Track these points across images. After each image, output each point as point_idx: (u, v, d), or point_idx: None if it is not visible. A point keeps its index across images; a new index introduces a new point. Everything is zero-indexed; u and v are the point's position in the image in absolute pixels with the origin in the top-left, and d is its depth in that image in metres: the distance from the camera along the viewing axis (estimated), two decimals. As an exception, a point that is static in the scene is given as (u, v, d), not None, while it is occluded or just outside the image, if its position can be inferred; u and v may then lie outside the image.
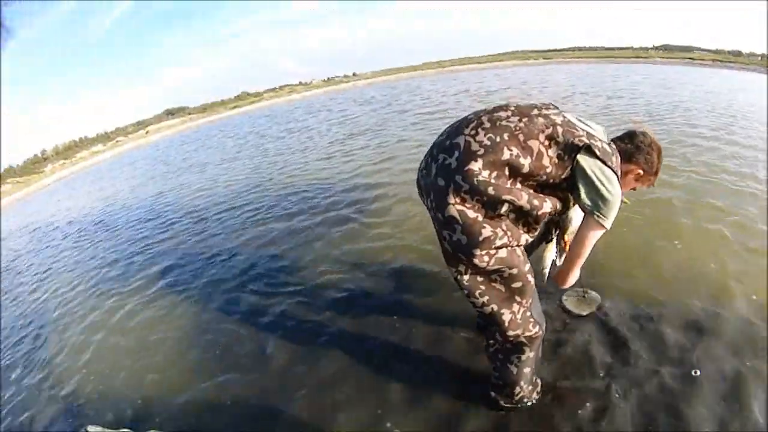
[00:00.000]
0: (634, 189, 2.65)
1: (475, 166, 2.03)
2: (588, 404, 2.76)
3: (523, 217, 2.22)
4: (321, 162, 10.40)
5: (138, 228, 8.47)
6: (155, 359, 3.86)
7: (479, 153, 2.05)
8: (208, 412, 3.19)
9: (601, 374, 2.96)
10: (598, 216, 2.18)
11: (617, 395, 2.77)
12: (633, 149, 2.47)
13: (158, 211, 9.35)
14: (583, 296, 3.74)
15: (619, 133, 2.60)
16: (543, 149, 2.10)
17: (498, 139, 2.06)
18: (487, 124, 2.13)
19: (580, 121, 2.31)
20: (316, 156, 11.29)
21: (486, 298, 2.32)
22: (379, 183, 7.59)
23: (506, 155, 2.04)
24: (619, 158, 2.28)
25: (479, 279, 2.29)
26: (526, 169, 2.08)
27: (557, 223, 2.86)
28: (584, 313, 3.59)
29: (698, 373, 2.86)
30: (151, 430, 2.42)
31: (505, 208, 2.11)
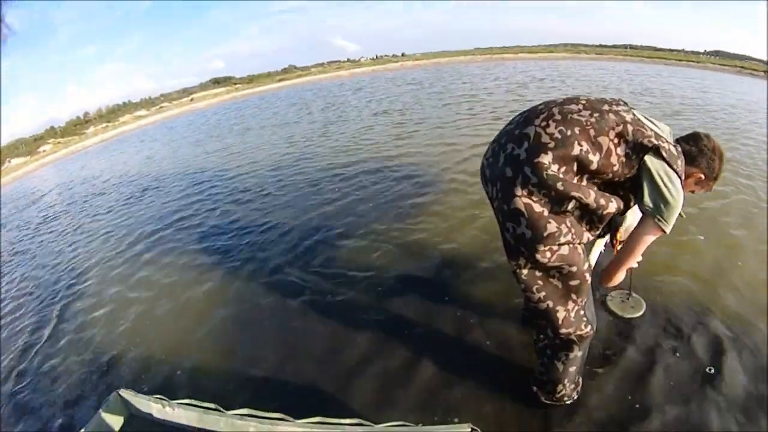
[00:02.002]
0: (692, 192, 2.58)
1: (545, 159, 2.02)
2: (614, 409, 2.80)
3: (588, 215, 2.20)
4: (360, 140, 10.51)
5: (187, 191, 8.51)
6: (197, 330, 3.88)
7: (550, 146, 2.03)
8: (242, 387, 3.20)
9: (630, 378, 3.00)
10: (659, 219, 2.14)
11: (637, 406, 2.81)
12: (696, 152, 2.41)
13: (207, 176, 9.34)
14: (628, 299, 3.70)
15: (683, 134, 2.52)
16: (612, 147, 2.07)
17: (569, 133, 2.04)
18: (558, 117, 2.10)
19: (649, 120, 2.28)
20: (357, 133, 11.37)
21: (543, 294, 2.32)
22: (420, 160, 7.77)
23: (576, 150, 2.03)
24: (684, 162, 2.22)
25: (538, 274, 2.29)
26: (594, 167, 2.07)
27: (611, 221, 2.77)
28: (627, 316, 3.55)
29: (712, 370, 3.00)
30: (184, 398, 2.43)
31: (571, 205, 2.11)
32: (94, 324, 4.14)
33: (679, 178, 2.13)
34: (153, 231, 6.41)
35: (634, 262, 2.48)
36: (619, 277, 2.55)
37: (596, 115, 2.11)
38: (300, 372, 3.25)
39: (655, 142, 2.08)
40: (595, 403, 2.82)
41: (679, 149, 2.24)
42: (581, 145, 2.03)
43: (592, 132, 2.06)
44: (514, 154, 2.09)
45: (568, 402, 2.80)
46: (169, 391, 2.91)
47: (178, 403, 2.35)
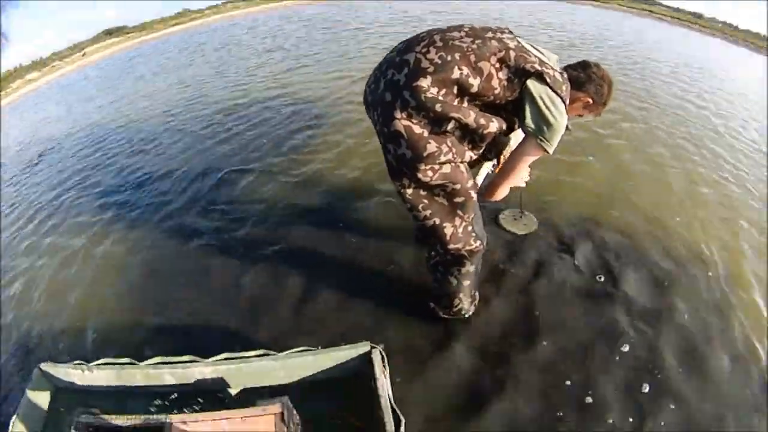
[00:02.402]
0: (580, 116, 2.72)
1: (424, 83, 2.08)
2: (514, 319, 3.05)
3: (469, 134, 2.29)
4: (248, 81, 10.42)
5: (83, 150, 8.22)
6: (106, 288, 3.86)
7: (429, 70, 2.09)
8: (155, 336, 3.25)
9: (527, 291, 3.27)
10: (540, 139, 2.26)
11: (537, 313, 3.11)
12: (585, 78, 2.52)
13: (102, 131, 9.03)
14: (520, 216, 3.97)
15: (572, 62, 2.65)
16: (493, 71, 2.15)
17: (449, 58, 2.10)
18: (440, 43, 2.16)
19: (535, 48, 2.37)
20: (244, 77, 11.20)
21: (428, 211, 2.44)
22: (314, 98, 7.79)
23: (456, 74, 2.09)
24: (569, 88, 2.34)
25: (422, 193, 2.39)
26: (474, 89, 2.14)
27: (498, 143, 2.90)
28: (520, 233, 3.83)
29: (601, 278, 3.37)
30: (101, 359, 2.47)
31: (451, 126, 2.19)
32: (9, 303, 4.04)
33: (564, 102, 2.25)
34: (55, 196, 6.20)
35: (515, 179, 2.61)
36: (501, 193, 2.68)
37: (478, 41, 2.18)
38: (206, 312, 3.34)
39: (538, 68, 2.18)
40: (494, 316, 3.05)
41: (566, 76, 2.36)
42: (461, 70, 2.09)
43: (472, 57, 2.13)
44: (394, 80, 2.15)
45: (466, 315, 3.04)
46: (90, 354, 3.00)
47: (95, 365, 2.40)
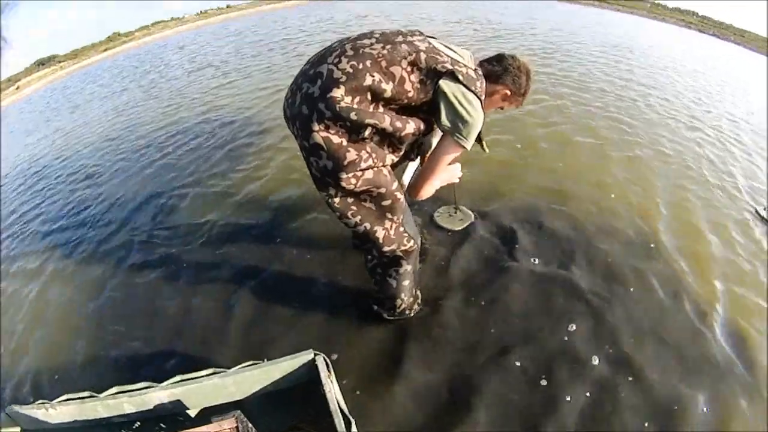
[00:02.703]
0: (501, 108, 2.75)
1: (338, 93, 2.09)
2: (461, 312, 3.11)
3: (388, 138, 2.32)
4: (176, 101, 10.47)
5: (23, 185, 7.97)
6: (62, 326, 3.80)
7: (342, 80, 2.10)
8: (112, 367, 3.25)
9: (470, 283, 3.34)
10: (457, 137, 2.31)
11: (483, 303, 3.20)
12: (501, 71, 2.54)
13: (42, 164, 8.82)
14: (455, 212, 4.04)
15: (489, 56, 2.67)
16: (405, 75, 2.19)
17: (360, 66, 2.12)
18: (350, 52, 2.17)
19: (447, 47, 2.39)
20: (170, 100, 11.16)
21: (358, 218, 2.47)
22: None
23: (368, 81, 2.11)
24: (484, 83, 2.38)
25: (349, 200, 2.42)
26: (388, 94, 2.17)
27: (420, 145, 2.92)
28: (456, 228, 3.90)
29: (537, 261, 3.55)
30: (67, 395, 2.49)
31: (368, 132, 2.19)
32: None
33: (479, 98, 2.29)
34: None
35: (437, 177, 2.60)
36: (426, 191, 2.67)
37: (389, 47, 2.20)
38: (159, 340, 3.35)
39: (450, 67, 2.23)
40: (441, 312, 3.12)
41: (480, 71, 2.41)
42: (373, 76, 2.12)
43: (384, 63, 2.15)
44: (309, 93, 2.16)
45: (411, 314, 3.12)
46: (52, 392, 2.92)
47: (57, 402, 2.38)
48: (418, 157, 3.07)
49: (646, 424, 2.51)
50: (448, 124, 2.30)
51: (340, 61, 2.14)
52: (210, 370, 2.40)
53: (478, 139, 2.71)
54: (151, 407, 2.36)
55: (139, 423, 2.44)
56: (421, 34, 2.39)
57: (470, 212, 4.06)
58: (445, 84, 2.23)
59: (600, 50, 12.64)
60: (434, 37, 2.45)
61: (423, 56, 2.21)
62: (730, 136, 7.25)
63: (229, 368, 2.37)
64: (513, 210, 4.15)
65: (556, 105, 7.27)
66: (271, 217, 4.43)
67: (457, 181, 2.98)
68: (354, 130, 2.17)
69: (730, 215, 4.56)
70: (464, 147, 2.37)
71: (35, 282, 4.46)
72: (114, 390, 2.37)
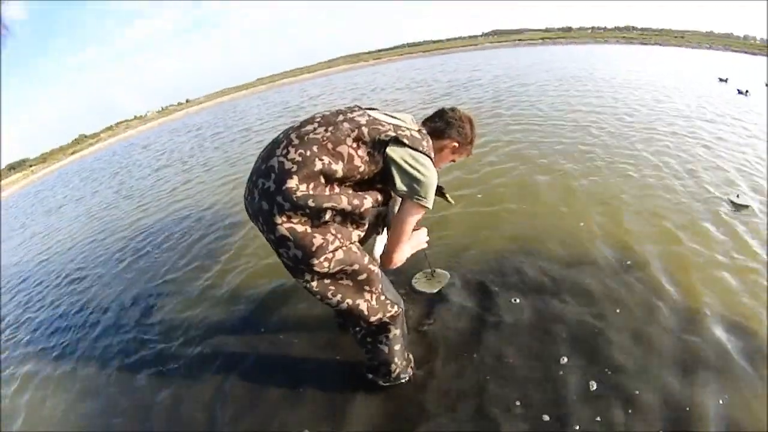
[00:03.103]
0: (453, 161, 2.82)
1: (292, 183, 2.10)
2: (454, 370, 3.08)
3: (349, 216, 2.32)
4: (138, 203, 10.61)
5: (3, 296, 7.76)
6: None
7: (293, 170, 2.12)
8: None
9: (458, 340, 3.33)
10: (417, 198, 2.31)
11: (475, 356, 3.15)
12: (444, 126, 2.63)
13: (15, 272, 8.83)
14: (432, 275, 4.01)
15: (430, 114, 2.74)
16: (353, 152, 2.21)
17: (308, 153, 2.14)
18: (296, 141, 2.20)
19: (387, 115, 2.45)
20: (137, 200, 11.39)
21: (339, 296, 2.42)
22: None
23: (318, 166, 2.13)
24: (430, 141, 2.43)
25: (326, 281, 2.37)
26: (340, 174, 2.18)
27: (384, 217, 3.05)
28: (435, 290, 3.86)
29: (518, 300, 3.61)
30: None
31: (329, 215, 2.20)
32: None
33: (428, 156, 2.33)
34: None
35: (405, 243, 2.58)
36: (397, 259, 2.63)
37: (331, 128, 2.24)
38: (155, 430, 3.34)
39: (393, 134, 2.26)
40: (434, 373, 3.09)
41: (424, 131, 2.48)
42: (322, 160, 2.14)
43: (330, 145, 2.18)
44: (266, 188, 2.17)
45: (406, 378, 3.02)
46: None
47: None
48: (385, 229, 3.16)
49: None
50: (404, 188, 2.30)
51: (288, 152, 2.18)
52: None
53: (441, 193, 2.83)
54: None
55: None
56: (360, 108, 2.46)
57: (446, 272, 4.04)
58: (392, 151, 2.26)
59: (547, 86, 13.34)
60: (374, 109, 2.54)
61: (365, 130, 2.26)
62: (686, 134, 7.65)
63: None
64: (487, 261, 4.18)
65: (510, 149, 7.53)
66: (253, 307, 4.42)
67: (426, 246, 3.00)
68: (315, 216, 2.18)
69: (701, 211, 4.75)
70: (425, 206, 2.37)
71: (29, 389, 4.42)
72: None
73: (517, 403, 2.77)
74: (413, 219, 2.46)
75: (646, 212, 4.79)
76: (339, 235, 2.29)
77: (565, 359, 2.99)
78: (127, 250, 7.47)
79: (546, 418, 2.64)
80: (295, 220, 2.17)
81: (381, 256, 2.72)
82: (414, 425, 2.77)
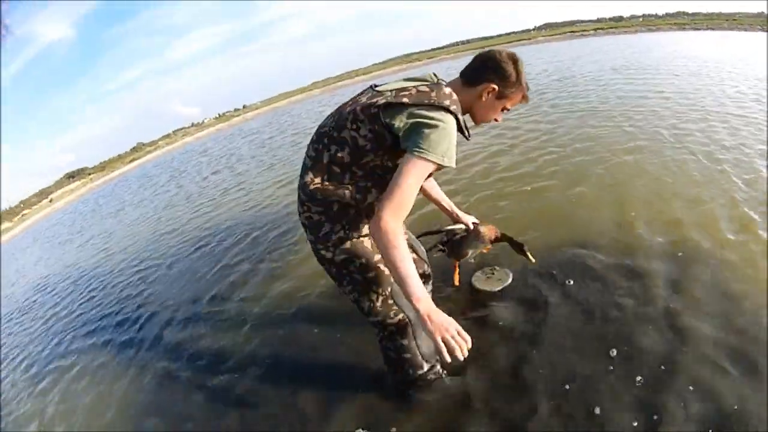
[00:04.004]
0: (506, 109, 2.34)
1: (308, 177, 2.20)
2: (511, 366, 2.87)
3: (355, 209, 2.24)
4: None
5: (65, 292, 8.21)
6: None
7: (309, 165, 2.22)
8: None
9: (513, 335, 3.10)
10: (417, 150, 1.90)
11: (532, 352, 2.92)
12: (477, 70, 2.24)
13: (80, 273, 9.08)
14: (492, 274, 3.75)
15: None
16: (354, 134, 2.09)
17: (320, 147, 2.19)
18: (315, 137, 2.26)
19: (398, 82, 2.24)
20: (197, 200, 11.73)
21: (349, 287, 2.40)
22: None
23: (326, 158, 2.15)
24: (445, 89, 2.07)
25: (335, 270, 2.37)
26: (347, 160, 2.12)
27: None
28: (496, 290, 3.57)
29: (574, 289, 3.37)
30: None
31: (336, 207, 2.20)
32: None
33: (438, 107, 1.98)
34: (50, 342, 6.03)
35: (397, 206, 1.92)
36: (386, 223, 1.91)
37: (336, 116, 2.20)
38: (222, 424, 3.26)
39: (382, 101, 2.03)
40: (492, 372, 2.87)
41: (442, 81, 2.23)
42: (329, 151, 2.14)
43: (334, 134, 2.14)
44: (299, 184, 2.30)
45: (433, 378, 2.74)
46: None
47: None
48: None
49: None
50: (407, 143, 1.95)
51: (308, 149, 2.27)
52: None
53: (520, 249, 2.80)
54: None
55: None
56: (373, 87, 2.29)
57: (507, 270, 3.74)
58: (388, 116, 2.01)
59: (598, 77, 13.13)
60: (388, 83, 2.29)
61: (358, 108, 2.09)
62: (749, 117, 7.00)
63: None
64: (545, 252, 3.89)
65: (566, 137, 7.43)
66: (316, 305, 4.25)
67: (485, 250, 3.00)
68: (326, 206, 2.20)
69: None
70: (427, 159, 1.91)
71: (88, 385, 4.43)
72: None
73: (567, 395, 2.60)
74: (412, 175, 1.92)
75: (711, 201, 4.34)
76: (347, 227, 2.26)
77: (615, 352, 2.77)
78: (187, 247, 7.66)
79: (597, 410, 2.46)
80: (312, 210, 2.24)
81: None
82: (461, 422, 2.61)
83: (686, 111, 7.82)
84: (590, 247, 3.89)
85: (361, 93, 2.31)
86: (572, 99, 10.71)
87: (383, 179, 2.09)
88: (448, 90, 2.08)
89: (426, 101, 1.99)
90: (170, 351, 4.44)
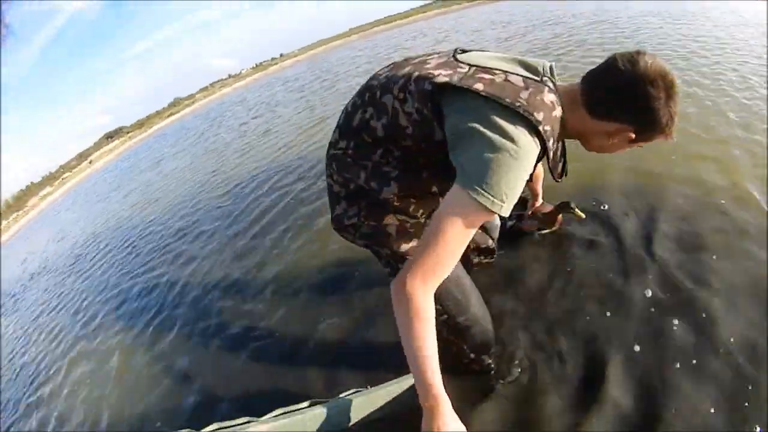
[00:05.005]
0: (629, 147, 1.53)
1: (335, 136, 1.73)
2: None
3: (371, 197, 1.70)
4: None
5: (102, 252, 8.12)
6: (164, 377, 3.56)
7: (340, 122, 1.72)
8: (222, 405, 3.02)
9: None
10: (474, 188, 1.25)
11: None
12: (603, 103, 1.38)
13: (118, 241, 8.60)
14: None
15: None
16: (398, 105, 1.49)
17: (359, 102, 1.64)
18: (362, 87, 1.69)
19: (491, 56, 1.53)
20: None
21: (387, 269, 1.89)
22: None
23: (356, 121, 1.62)
24: (546, 96, 1.35)
25: (367, 248, 1.89)
26: (380, 133, 1.56)
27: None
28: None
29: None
30: None
31: (352, 186, 1.71)
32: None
33: (523, 116, 1.29)
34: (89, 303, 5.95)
35: (440, 261, 1.33)
36: (411, 287, 1.34)
37: (391, 71, 1.61)
38: (258, 375, 3.11)
39: (443, 79, 1.39)
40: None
41: (549, 83, 1.42)
42: (365, 113, 1.60)
43: (378, 93, 1.56)
44: (330, 141, 1.81)
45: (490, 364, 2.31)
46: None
47: None
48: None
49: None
50: (460, 170, 1.32)
51: (349, 101, 1.73)
52: (310, 401, 2.22)
53: (566, 206, 2.46)
54: (250, 444, 2.19)
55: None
56: (456, 53, 1.59)
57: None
58: (447, 104, 1.39)
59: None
60: (479, 50, 1.61)
61: (416, 75, 1.47)
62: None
63: (329, 398, 2.17)
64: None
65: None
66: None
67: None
68: (345, 181, 1.72)
69: None
70: (485, 208, 1.26)
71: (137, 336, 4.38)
72: (213, 426, 2.19)
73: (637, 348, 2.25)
74: (460, 222, 1.30)
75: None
76: (363, 212, 1.73)
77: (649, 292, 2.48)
78: (226, 196, 7.36)
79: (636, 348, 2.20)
80: (334, 178, 1.76)
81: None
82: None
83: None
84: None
85: (438, 54, 1.61)
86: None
87: (418, 174, 1.63)
88: (551, 97, 1.36)
89: (507, 100, 1.29)
90: (211, 306, 4.22)
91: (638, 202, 3.28)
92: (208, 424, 2.09)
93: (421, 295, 1.30)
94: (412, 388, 1.61)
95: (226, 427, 2.15)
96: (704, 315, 2.27)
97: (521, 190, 1.30)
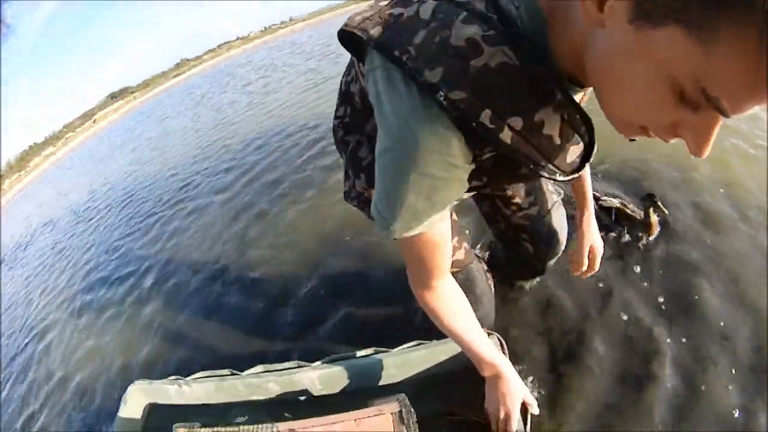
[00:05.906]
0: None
1: (338, 101, 1.45)
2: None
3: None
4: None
5: (109, 219, 7.59)
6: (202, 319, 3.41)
7: (342, 86, 1.41)
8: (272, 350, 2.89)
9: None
10: (379, 221, 0.98)
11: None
12: None
13: (115, 199, 8.62)
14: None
15: None
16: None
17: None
18: None
19: None
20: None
21: None
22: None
23: (344, 83, 1.38)
24: (458, 28, 0.68)
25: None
26: (356, 100, 1.32)
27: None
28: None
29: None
30: (203, 372, 2.29)
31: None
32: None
33: (419, 84, 0.72)
34: (87, 259, 5.88)
35: (418, 271, 1.25)
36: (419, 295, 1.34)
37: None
38: (306, 320, 2.98)
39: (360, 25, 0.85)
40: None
41: None
42: (348, 74, 1.35)
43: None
44: None
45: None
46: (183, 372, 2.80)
47: (192, 379, 2.18)
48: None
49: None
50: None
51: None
52: (370, 350, 2.13)
53: (652, 201, 2.04)
54: (299, 388, 2.14)
55: (283, 403, 2.16)
56: None
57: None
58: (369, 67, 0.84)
59: None
60: None
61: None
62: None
63: (389, 348, 2.10)
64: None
65: None
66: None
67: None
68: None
69: None
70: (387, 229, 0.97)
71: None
72: (259, 369, 2.16)
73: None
74: (405, 251, 1.15)
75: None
76: (366, 194, 1.45)
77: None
78: (230, 155, 7.25)
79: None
80: (340, 148, 1.53)
81: None
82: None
83: None
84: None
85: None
86: None
87: None
88: (469, 30, 0.68)
89: (396, 52, 0.73)
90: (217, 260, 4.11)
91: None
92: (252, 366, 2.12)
93: (429, 296, 1.29)
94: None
95: (273, 371, 2.09)
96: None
97: (442, 203, 0.90)
